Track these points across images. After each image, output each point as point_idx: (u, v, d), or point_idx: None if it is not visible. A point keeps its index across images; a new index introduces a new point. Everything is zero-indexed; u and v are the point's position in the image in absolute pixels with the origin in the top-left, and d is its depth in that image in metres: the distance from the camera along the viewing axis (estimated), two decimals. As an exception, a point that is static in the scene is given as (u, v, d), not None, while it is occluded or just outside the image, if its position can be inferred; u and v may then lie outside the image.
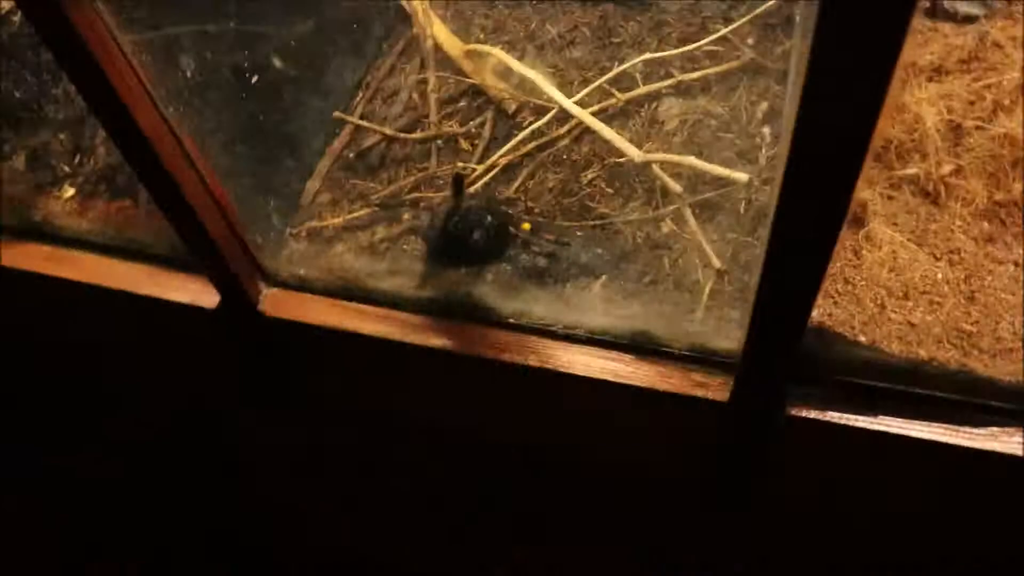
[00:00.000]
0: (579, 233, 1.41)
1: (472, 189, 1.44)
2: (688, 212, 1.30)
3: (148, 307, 1.53)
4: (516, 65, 1.47)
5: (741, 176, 1.23)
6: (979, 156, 1.36)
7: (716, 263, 1.28)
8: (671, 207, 1.41)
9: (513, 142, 1.46)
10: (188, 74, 1.47)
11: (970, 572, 1.44)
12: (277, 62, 1.57)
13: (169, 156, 1.24)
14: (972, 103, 1.39)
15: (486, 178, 1.45)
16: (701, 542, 1.57)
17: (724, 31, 1.49)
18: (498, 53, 1.51)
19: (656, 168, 1.33)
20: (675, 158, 1.34)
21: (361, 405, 1.61)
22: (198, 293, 1.50)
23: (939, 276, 1.30)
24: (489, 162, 1.45)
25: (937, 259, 1.32)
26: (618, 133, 1.45)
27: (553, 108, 1.49)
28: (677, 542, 1.58)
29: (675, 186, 1.29)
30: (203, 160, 1.30)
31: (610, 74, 1.49)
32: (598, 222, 1.38)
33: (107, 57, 1.11)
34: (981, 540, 1.40)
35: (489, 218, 1.27)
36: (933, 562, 1.46)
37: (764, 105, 1.50)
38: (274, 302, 1.47)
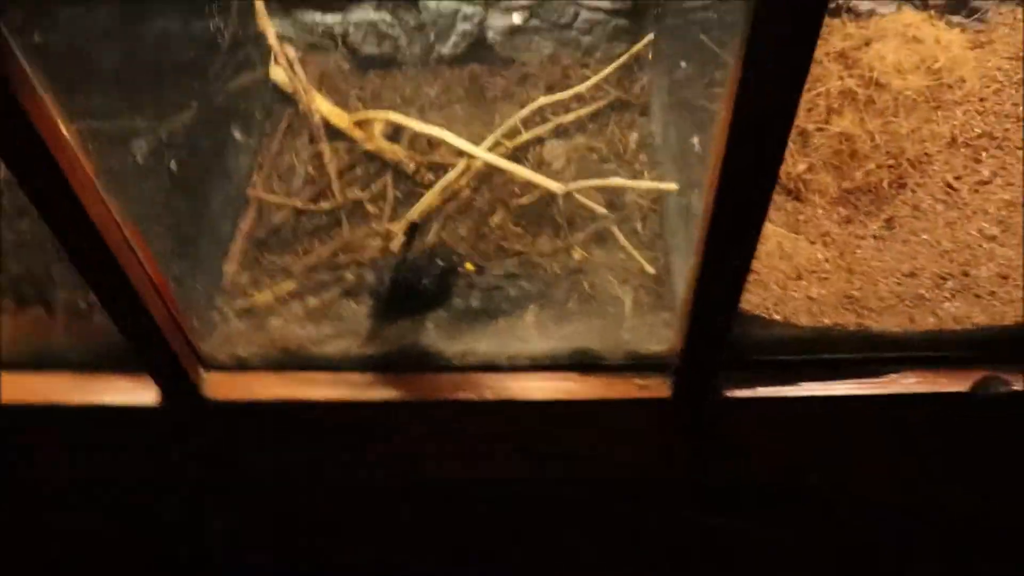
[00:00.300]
0: (498, 273, 1.52)
1: (395, 246, 1.52)
2: (616, 229, 1.45)
3: (81, 417, 1.49)
4: (416, 125, 1.57)
5: (670, 186, 1.39)
6: (824, 154, 1.60)
7: (649, 269, 1.44)
8: (579, 235, 1.56)
9: (436, 187, 1.56)
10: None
11: (909, 503, 1.67)
12: (166, 151, 1.58)
13: (116, 244, 1.24)
14: (810, 110, 1.64)
15: (405, 233, 1.54)
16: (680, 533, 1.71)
17: (597, 77, 1.68)
18: (395, 116, 1.60)
19: (578, 196, 1.47)
20: (598, 182, 1.49)
21: (326, 471, 1.62)
22: (132, 391, 1.48)
23: (819, 256, 1.52)
24: (414, 213, 1.53)
25: (813, 243, 1.54)
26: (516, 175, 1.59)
27: (452, 162, 1.61)
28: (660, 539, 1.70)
29: (601, 209, 1.44)
30: (144, 247, 1.31)
31: (510, 121, 1.63)
32: (534, 259, 1.50)
33: (57, 145, 1.11)
34: (908, 471, 1.63)
35: (439, 261, 1.35)
36: (877, 502, 1.66)
37: (635, 135, 1.69)
38: (217, 385, 1.47)
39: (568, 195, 1.55)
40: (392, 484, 1.59)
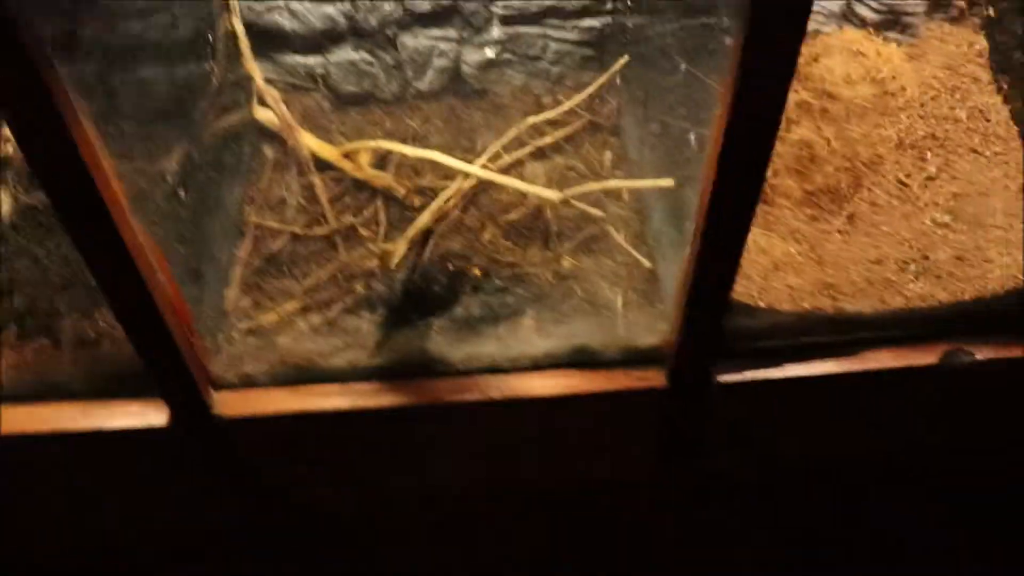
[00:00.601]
0: (499, 280, 1.60)
1: (392, 264, 1.58)
2: (612, 230, 1.54)
3: (90, 443, 1.49)
4: (407, 149, 1.65)
5: (667, 181, 1.48)
6: (786, 160, 1.73)
7: (647, 264, 1.53)
8: (568, 244, 1.65)
9: (434, 205, 1.62)
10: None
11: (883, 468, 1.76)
12: (159, 188, 1.62)
13: (143, 266, 1.28)
14: (769, 122, 1.77)
15: (404, 252, 1.60)
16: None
17: (577, 98, 1.80)
18: (385, 144, 1.68)
19: (575, 203, 1.56)
20: (595, 186, 1.59)
21: (340, 484, 1.64)
22: (141, 415, 1.49)
23: (792, 250, 1.63)
24: (414, 229, 1.59)
25: (785, 240, 1.66)
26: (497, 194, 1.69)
27: (439, 185, 1.68)
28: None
29: (598, 212, 1.53)
30: (166, 270, 1.34)
31: (496, 142, 1.72)
32: (530, 269, 1.59)
33: (98, 172, 1.15)
34: (880, 439, 1.73)
35: (449, 266, 1.41)
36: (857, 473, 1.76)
37: (609, 153, 1.80)
38: (227, 403, 1.50)
39: (555, 208, 1.65)
40: (406, 490, 1.63)
